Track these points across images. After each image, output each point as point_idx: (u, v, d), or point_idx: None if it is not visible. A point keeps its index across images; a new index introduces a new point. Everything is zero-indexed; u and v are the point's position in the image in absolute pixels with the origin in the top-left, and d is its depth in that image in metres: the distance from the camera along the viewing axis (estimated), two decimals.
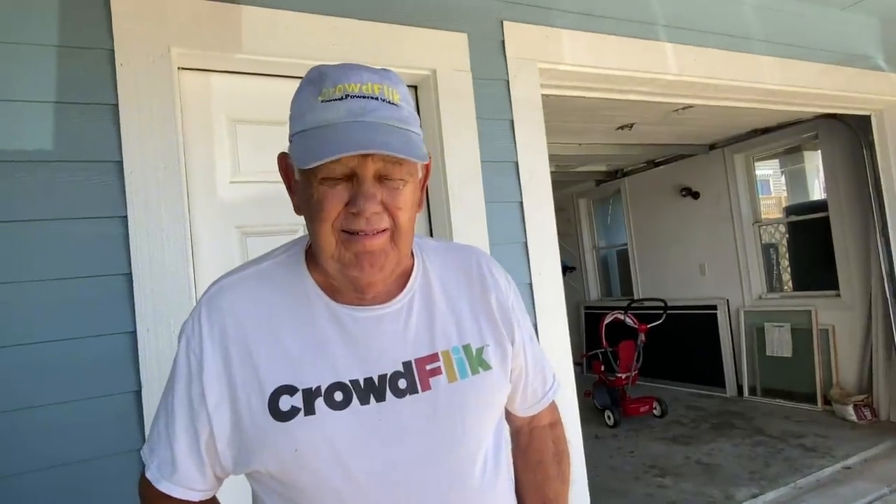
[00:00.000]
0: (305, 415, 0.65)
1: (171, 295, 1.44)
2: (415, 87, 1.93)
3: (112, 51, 1.44)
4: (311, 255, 0.74)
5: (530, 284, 1.97)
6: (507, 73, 2.00)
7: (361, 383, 0.68)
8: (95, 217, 1.38)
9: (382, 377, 0.69)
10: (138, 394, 1.38)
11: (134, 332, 1.39)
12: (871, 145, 3.47)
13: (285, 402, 0.66)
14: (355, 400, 0.67)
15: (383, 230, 0.66)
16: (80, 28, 1.41)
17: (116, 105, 1.43)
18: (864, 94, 3.09)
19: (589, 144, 4.26)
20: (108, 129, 1.42)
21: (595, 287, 6.83)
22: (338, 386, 0.67)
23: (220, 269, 1.58)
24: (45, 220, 1.32)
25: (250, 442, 0.66)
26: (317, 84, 0.66)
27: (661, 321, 4.59)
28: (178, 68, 1.59)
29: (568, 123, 3.49)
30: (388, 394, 0.69)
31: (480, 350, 0.76)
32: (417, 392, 0.70)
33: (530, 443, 0.89)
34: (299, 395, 0.66)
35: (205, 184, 1.62)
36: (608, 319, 4.68)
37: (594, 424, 4.41)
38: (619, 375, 4.48)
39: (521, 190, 1.98)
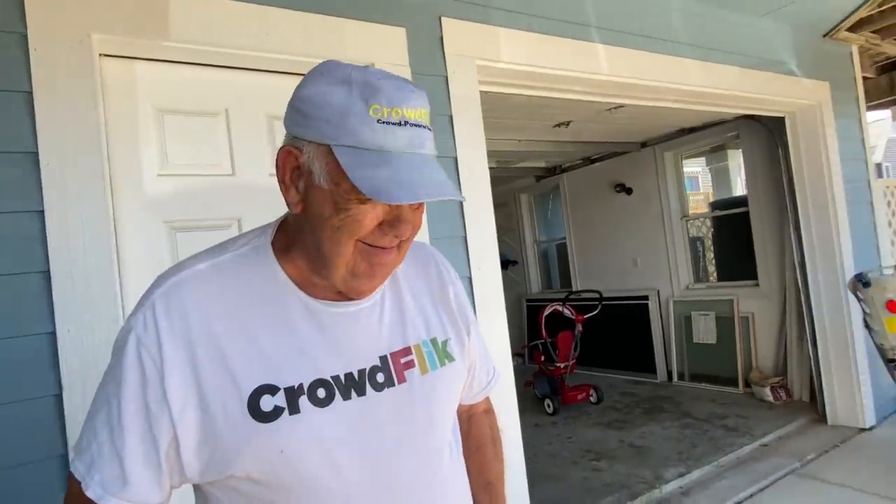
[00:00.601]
0: (290, 414, 0.64)
1: (94, 293, 1.37)
2: None
3: (25, 35, 1.35)
4: (280, 248, 0.71)
5: (470, 279, 2.01)
6: (446, 70, 2.03)
7: (342, 379, 0.68)
8: (9, 212, 1.30)
9: (362, 372, 0.69)
10: (59, 397, 1.31)
11: (53, 333, 1.32)
12: (785, 145, 3.73)
13: (267, 403, 0.63)
14: (338, 396, 0.67)
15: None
16: None
17: (31, 93, 1.34)
18: (779, 97, 3.32)
19: (528, 141, 4.36)
20: (22, 118, 1.33)
21: (536, 280, 7.00)
22: (320, 383, 0.66)
23: (147, 265, 1.53)
24: None
25: (227, 446, 0.63)
26: (363, 93, 0.61)
27: (596, 312, 4.78)
28: (100, 55, 1.51)
29: (507, 120, 3.56)
30: (368, 388, 0.69)
31: (445, 343, 0.79)
32: (394, 385, 0.71)
33: (470, 429, 0.93)
34: (281, 395, 0.64)
35: (130, 176, 1.55)
36: (547, 311, 4.82)
37: (535, 413, 4.54)
38: (558, 365, 4.63)
39: (460, 186, 2.01)
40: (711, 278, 5.38)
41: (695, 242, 5.37)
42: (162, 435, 0.63)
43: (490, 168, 2.14)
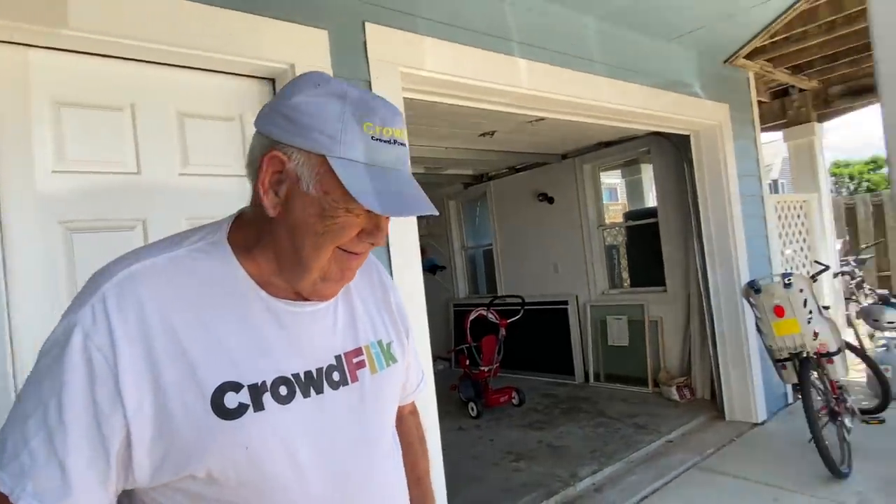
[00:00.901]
0: (255, 411, 0.64)
1: None
2: (272, 81, 1.88)
3: None
4: (239, 246, 0.71)
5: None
6: (369, 74, 2.03)
7: (302, 377, 0.69)
8: None
9: (319, 370, 0.72)
10: None
11: None
12: (689, 162, 4.02)
13: (231, 400, 0.63)
14: (298, 393, 0.68)
15: None
16: None
17: None
18: (684, 117, 3.58)
19: (454, 148, 4.43)
20: None
21: (464, 285, 7.10)
22: (282, 380, 0.67)
23: (38, 267, 1.42)
24: None
25: (187, 444, 0.61)
26: (357, 110, 0.65)
27: (519, 316, 4.92)
28: None
29: (434, 127, 3.61)
30: (325, 386, 0.72)
31: (389, 345, 0.84)
32: (348, 384, 0.74)
33: (400, 427, 0.97)
34: (245, 392, 0.64)
35: (19, 173, 1.43)
36: (473, 316, 4.91)
37: (459, 417, 4.60)
38: (483, 369, 4.72)
39: None
40: (625, 284, 5.68)
41: (611, 250, 5.66)
42: (114, 433, 0.60)
43: (418, 174, 2.16)
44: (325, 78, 0.68)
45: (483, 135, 4.04)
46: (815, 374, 3.11)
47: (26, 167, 1.44)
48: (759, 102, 4.53)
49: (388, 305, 0.88)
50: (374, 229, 0.69)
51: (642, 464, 3.44)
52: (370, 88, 2.02)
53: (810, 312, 3.09)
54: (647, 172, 6.69)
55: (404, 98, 2.13)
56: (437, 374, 6.74)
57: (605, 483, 3.20)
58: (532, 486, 3.14)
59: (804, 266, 4.86)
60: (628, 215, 6.05)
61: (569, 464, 3.43)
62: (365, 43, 2.03)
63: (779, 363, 3.30)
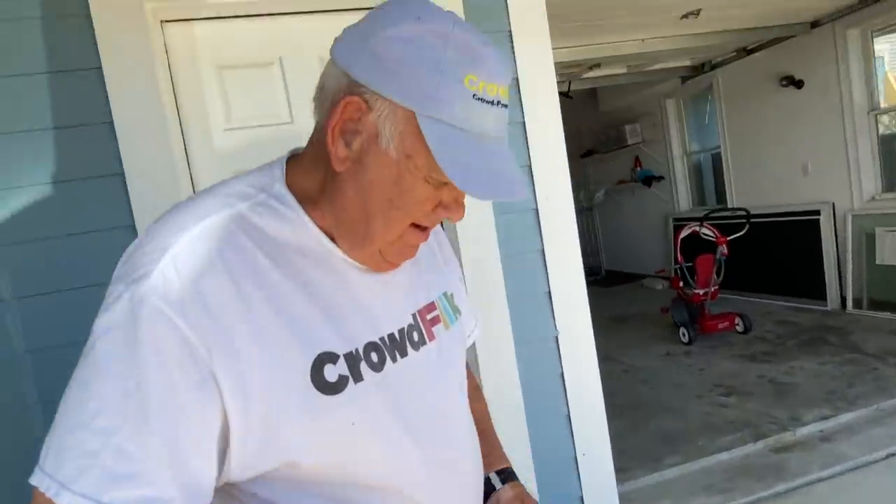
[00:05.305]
0: (355, 382, 0.57)
1: None
2: None
3: (89, 15, 1.51)
4: (302, 195, 0.61)
5: (536, 210, 1.88)
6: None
7: (387, 340, 0.63)
8: (95, 176, 1.52)
9: (401, 331, 0.65)
10: None
11: None
12: None
13: (330, 373, 0.56)
14: (388, 359, 0.62)
15: None
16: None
17: (100, 68, 1.52)
18: None
19: (655, 38, 3.79)
20: (97, 91, 1.52)
21: (686, 196, 6.33)
22: (372, 346, 0.61)
23: None
24: (44, 183, 1.48)
25: (288, 428, 0.53)
26: (461, 57, 0.52)
27: (743, 232, 4.20)
28: (162, 21, 1.64)
29: (616, 19, 3.11)
30: (409, 348, 0.65)
31: (452, 296, 0.77)
32: (426, 343, 0.67)
33: None
34: (342, 362, 0.57)
35: (200, 134, 1.70)
36: (685, 233, 4.37)
37: (668, 342, 4.28)
38: (697, 291, 4.23)
39: (522, 110, 1.85)
40: None
41: (888, 141, 4.34)
42: (212, 425, 0.51)
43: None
44: (428, 8, 0.54)
45: (686, 16, 3.34)
46: None
47: (204, 129, 1.71)
48: None
49: (443, 253, 0.80)
50: (453, 204, 0.59)
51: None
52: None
53: None
54: None
55: None
56: (655, 293, 6.31)
57: (839, 432, 2.64)
58: (739, 425, 2.78)
59: None
60: None
61: (792, 405, 2.92)
62: None
63: None
